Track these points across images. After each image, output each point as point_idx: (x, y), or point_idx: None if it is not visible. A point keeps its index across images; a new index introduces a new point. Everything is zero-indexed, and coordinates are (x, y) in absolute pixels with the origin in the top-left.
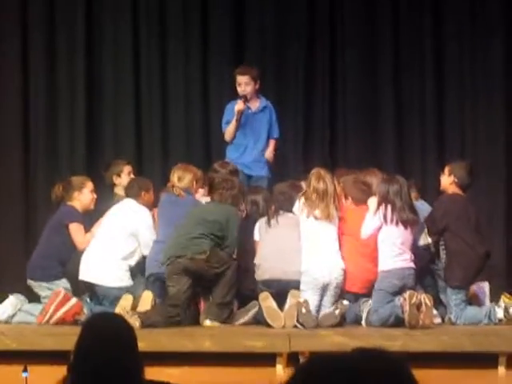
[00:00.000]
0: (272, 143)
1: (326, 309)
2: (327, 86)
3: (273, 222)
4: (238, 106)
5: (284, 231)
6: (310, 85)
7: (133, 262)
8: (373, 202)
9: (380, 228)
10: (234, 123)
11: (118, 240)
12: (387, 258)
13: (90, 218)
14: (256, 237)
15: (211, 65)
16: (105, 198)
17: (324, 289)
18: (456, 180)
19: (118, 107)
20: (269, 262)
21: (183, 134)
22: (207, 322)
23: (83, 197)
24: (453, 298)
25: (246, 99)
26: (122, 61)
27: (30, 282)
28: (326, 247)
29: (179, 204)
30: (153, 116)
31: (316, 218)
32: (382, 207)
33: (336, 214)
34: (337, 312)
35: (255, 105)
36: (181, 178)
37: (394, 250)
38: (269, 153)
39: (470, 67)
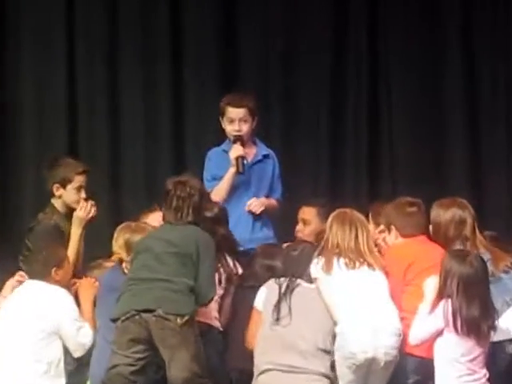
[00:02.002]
0: (273, 204)
1: None
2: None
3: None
4: (236, 150)
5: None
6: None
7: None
8: (431, 284)
9: (439, 333)
10: (229, 178)
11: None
12: (449, 378)
13: None
14: (258, 305)
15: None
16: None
17: (368, 368)
18: None
19: None
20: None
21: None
22: None
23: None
24: None
25: (242, 143)
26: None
27: None
28: (369, 304)
29: None
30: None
31: (351, 267)
32: (445, 302)
33: (377, 259)
34: None
35: (251, 152)
36: (130, 245)
37: (461, 369)
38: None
39: None
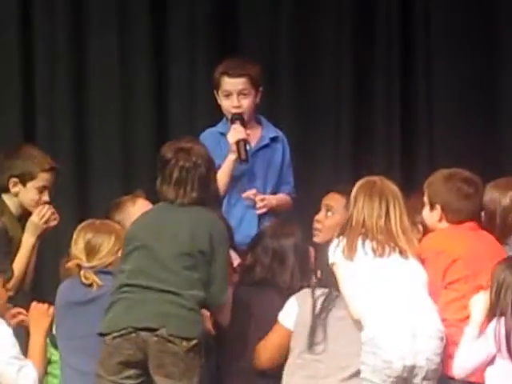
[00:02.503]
0: (283, 202)
1: None
2: None
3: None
4: (236, 133)
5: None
6: None
7: None
8: (480, 302)
9: (491, 360)
10: (228, 167)
11: None
12: None
13: None
14: (285, 322)
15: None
16: None
17: (406, 381)
18: None
19: None
20: None
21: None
22: None
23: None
24: None
25: (243, 123)
26: None
27: None
28: (404, 301)
29: (93, 299)
30: None
31: (379, 253)
32: (497, 321)
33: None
34: None
35: (256, 135)
36: (93, 248)
37: None
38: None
39: None
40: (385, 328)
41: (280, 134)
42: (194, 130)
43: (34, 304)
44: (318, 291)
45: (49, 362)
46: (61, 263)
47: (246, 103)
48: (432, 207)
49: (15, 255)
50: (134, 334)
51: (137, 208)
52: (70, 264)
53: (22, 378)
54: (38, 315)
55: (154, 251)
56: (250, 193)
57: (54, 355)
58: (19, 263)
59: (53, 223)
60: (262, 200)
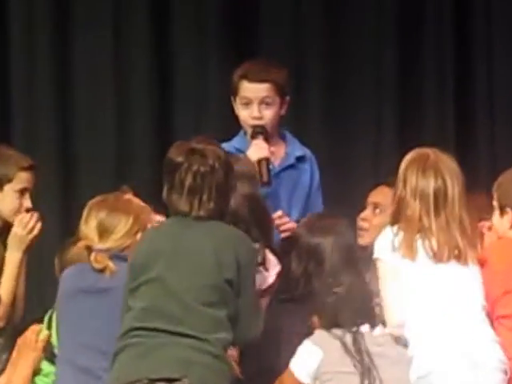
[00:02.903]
0: None
1: None
2: None
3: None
4: (258, 148)
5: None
6: None
7: None
8: None
9: None
10: None
11: None
12: None
13: None
14: (301, 375)
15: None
16: None
17: None
18: None
19: None
20: None
21: None
22: None
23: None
24: None
25: (266, 137)
26: None
27: None
28: (462, 324)
29: (105, 289)
30: None
31: (431, 256)
32: None
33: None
34: None
35: (280, 153)
36: (106, 229)
37: None
38: None
39: None
40: (442, 361)
41: (307, 152)
42: None
43: (24, 335)
44: (339, 331)
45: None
46: (58, 252)
47: (268, 114)
48: (502, 212)
49: None
50: None
51: None
52: (80, 245)
53: None
54: (27, 348)
55: (171, 284)
56: (275, 215)
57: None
58: (6, 286)
59: (36, 233)
60: (287, 223)
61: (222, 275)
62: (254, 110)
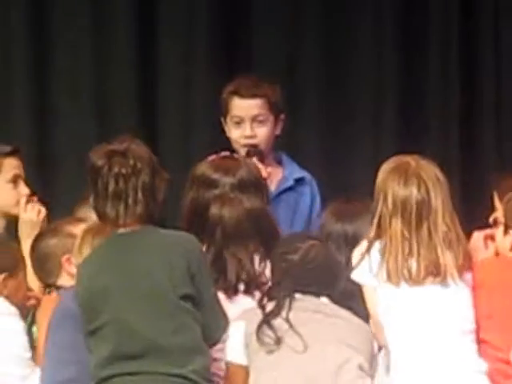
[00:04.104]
0: None
1: None
2: None
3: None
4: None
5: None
6: None
7: None
8: None
9: None
10: None
11: None
12: None
13: None
14: (236, 358)
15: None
16: None
17: None
18: None
19: None
20: None
21: None
22: None
23: None
24: None
25: (261, 158)
26: None
27: None
28: (440, 351)
29: None
30: None
31: (408, 278)
32: None
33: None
34: None
35: (276, 175)
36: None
37: None
38: None
39: None
40: None
41: (307, 175)
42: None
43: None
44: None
45: None
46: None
47: (261, 132)
48: (506, 231)
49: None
50: None
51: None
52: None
53: None
54: (50, 305)
55: (128, 325)
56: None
57: None
58: (33, 278)
59: (43, 215)
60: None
61: (179, 292)
62: (247, 128)
